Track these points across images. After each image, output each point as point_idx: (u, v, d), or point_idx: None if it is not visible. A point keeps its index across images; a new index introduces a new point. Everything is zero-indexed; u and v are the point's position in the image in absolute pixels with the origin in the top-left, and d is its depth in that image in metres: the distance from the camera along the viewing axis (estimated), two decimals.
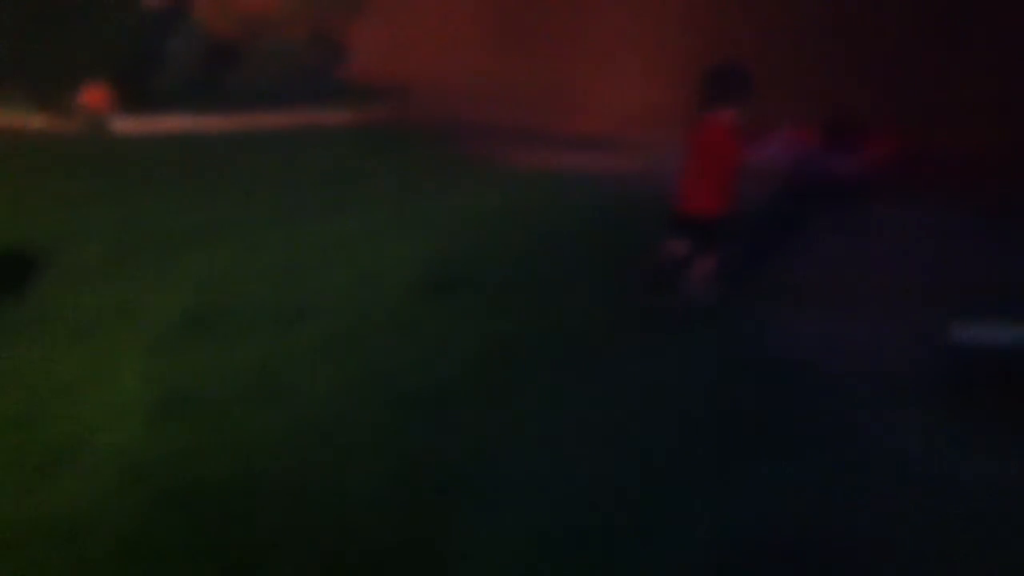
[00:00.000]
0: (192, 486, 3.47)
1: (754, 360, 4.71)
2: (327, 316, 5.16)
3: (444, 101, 14.63)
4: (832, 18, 9.86)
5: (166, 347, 4.71)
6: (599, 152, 11.34)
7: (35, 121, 12.49)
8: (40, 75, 12.73)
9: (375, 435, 3.90)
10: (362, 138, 12.66)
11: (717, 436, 3.89)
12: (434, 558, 3.12)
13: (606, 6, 13.82)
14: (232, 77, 15.66)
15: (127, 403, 4.09)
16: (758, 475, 3.58)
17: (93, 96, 12.76)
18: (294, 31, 17.25)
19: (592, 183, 9.29)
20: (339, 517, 3.33)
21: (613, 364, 4.62)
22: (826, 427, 4.01)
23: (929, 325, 4.84)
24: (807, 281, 5.96)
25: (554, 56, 14.40)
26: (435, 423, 4.00)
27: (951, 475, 3.63)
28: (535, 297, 5.63)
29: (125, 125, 12.61)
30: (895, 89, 9.19)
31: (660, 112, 11.35)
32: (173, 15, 15.38)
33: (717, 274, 5.23)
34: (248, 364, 4.54)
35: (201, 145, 11.71)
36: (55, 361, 4.52)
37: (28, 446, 3.72)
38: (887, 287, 5.84)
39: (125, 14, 13.47)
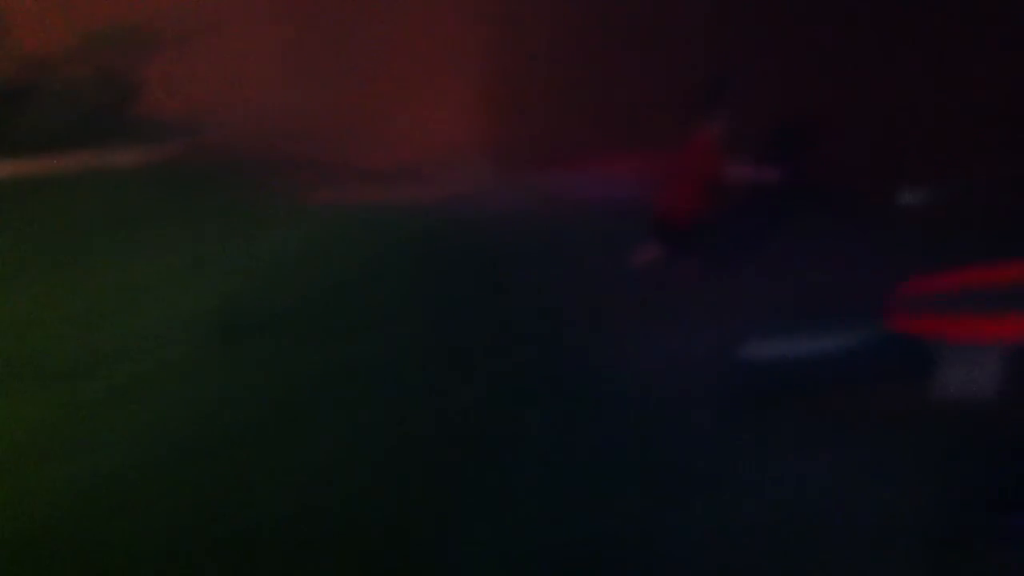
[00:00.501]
0: None
1: (553, 378, 4.92)
2: (118, 365, 5.01)
3: (244, 137, 14.32)
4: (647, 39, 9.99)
5: None
6: (404, 183, 11.33)
7: None
8: None
9: (162, 486, 3.86)
10: (155, 178, 12.25)
11: (506, 457, 4.04)
12: None
13: (410, 35, 13.84)
14: (13, 120, 14.88)
15: None
16: (540, 488, 3.72)
17: None
18: (80, 69, 16.52)
19: (395, 216, 9.29)
20: (127, 570, 3.30)
21: (407, 405, 4.71)
22: (618, 437, 4.22)
23: (730, 339, 5.11)
24: (624, 298, 6.16)
25: (358, 87, 14.31)
26: (223, 473, 3.98)
27: (735, 479, 3.85)
28: (329, 341, 5.58)
29: None
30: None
31: (467, 140, 11.44)
32: None
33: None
34: (37, 417, 4.39)
35: None
36: None
37: None
38: (701, 302, 6.12)
39: None
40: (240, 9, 15.60)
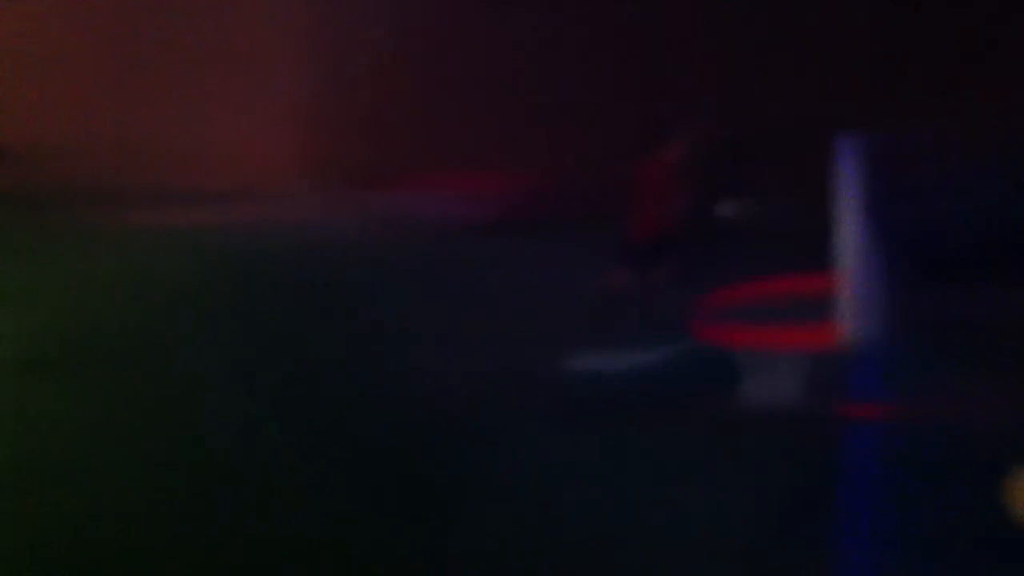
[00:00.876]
0: None
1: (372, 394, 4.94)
2: None
3: (64, 162, 13.89)
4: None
5: None
6: (231, 206, 11.18)
7: None
8: None
9: None
10: None
11: (316, 483, 4.00)
12: None
13: (235, 57, 13.56)
14: None
15: None
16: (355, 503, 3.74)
17: None
18: None
19: (220, 239, 9.16)
20: None
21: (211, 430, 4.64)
22: (439, 450, 4.25)
23: (548, 354, 5.21)
24: (445, 315, 6.24)
25: (181, 110, 14.03)
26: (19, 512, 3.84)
27: (551, 488, 3.88)
28: (137, 369, 5.47)
29: None
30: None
31: (294, 161, 11.34)
32: None
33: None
34: None
35: None
36: None
37: None
38: (509, 321, 6.23)
39: None
40: (62, 38, 15.15)
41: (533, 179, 9.13)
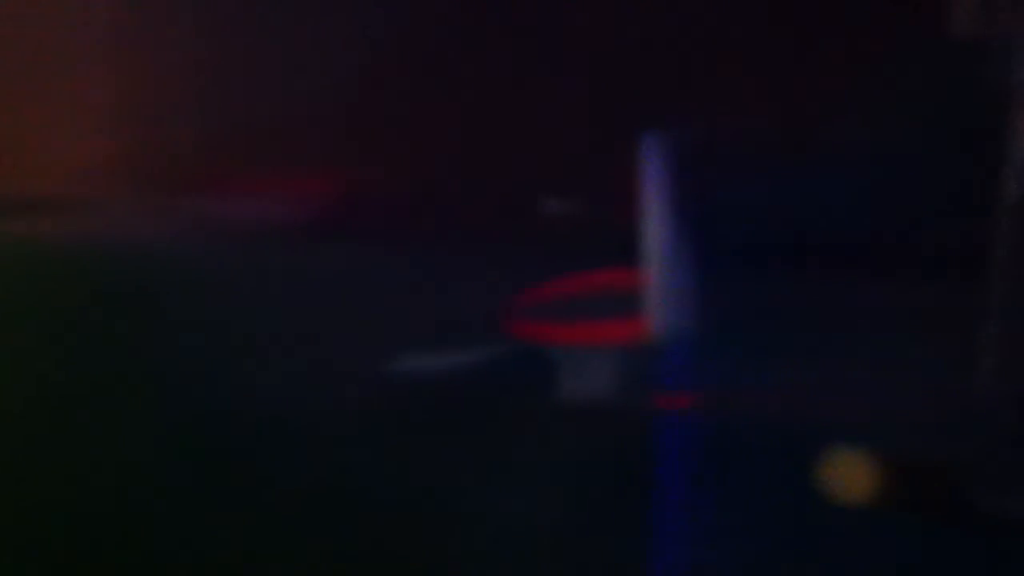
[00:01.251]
0: None
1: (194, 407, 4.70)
2: None
3: None
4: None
5: None
6: (43, 215, 10.57)
7: None
8: None
9: None
10: None
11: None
12: None
13: (40, 55, 12.92)
14: None
15: None
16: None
17: None
18: None
19: (34, 250, 8.64)
20: None
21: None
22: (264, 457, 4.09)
23: (366, 357, 5.08)
24: (256, 324, 6.01)
25: None
26: None
27: (372, 494, 3.77)
28: None
29: None
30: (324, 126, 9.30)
31: (106, 167, 10.82)
32: None
33: None
34: None
35: None
36: None
37: None
38: (329, 324, 6.04)
39: None
40: None
41: (351, 181, 8.97)
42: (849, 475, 3.52)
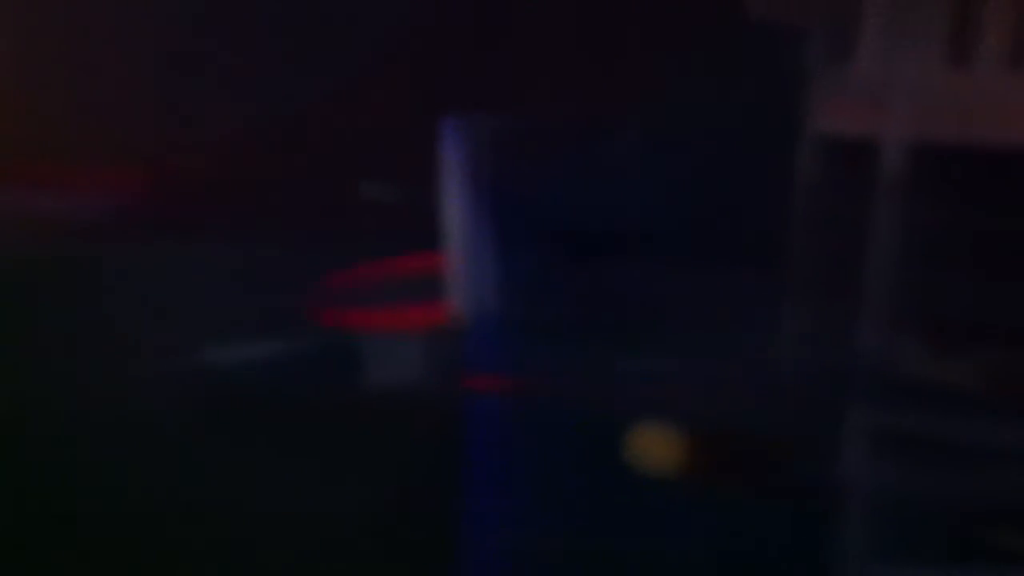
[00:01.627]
0: None
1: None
2: None
3: None
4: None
5: None
6: None
7: None
8: None
9: None
10: None
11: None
12: None
13: None
14: None
15: None
16: None
17: None
18: None
19: None
20: None
21: None
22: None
23: (175, 350, 4.82)
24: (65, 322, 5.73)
25: None
26: None
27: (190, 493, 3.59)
28: None
29: None
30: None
31: None
32: None
33: None
34: None
35: None
36: None
37: None
38: (137, 319, 5.82)
39: None
40: None
41: (151, 174, 8.68)
42: (655, 448, 3.60)
